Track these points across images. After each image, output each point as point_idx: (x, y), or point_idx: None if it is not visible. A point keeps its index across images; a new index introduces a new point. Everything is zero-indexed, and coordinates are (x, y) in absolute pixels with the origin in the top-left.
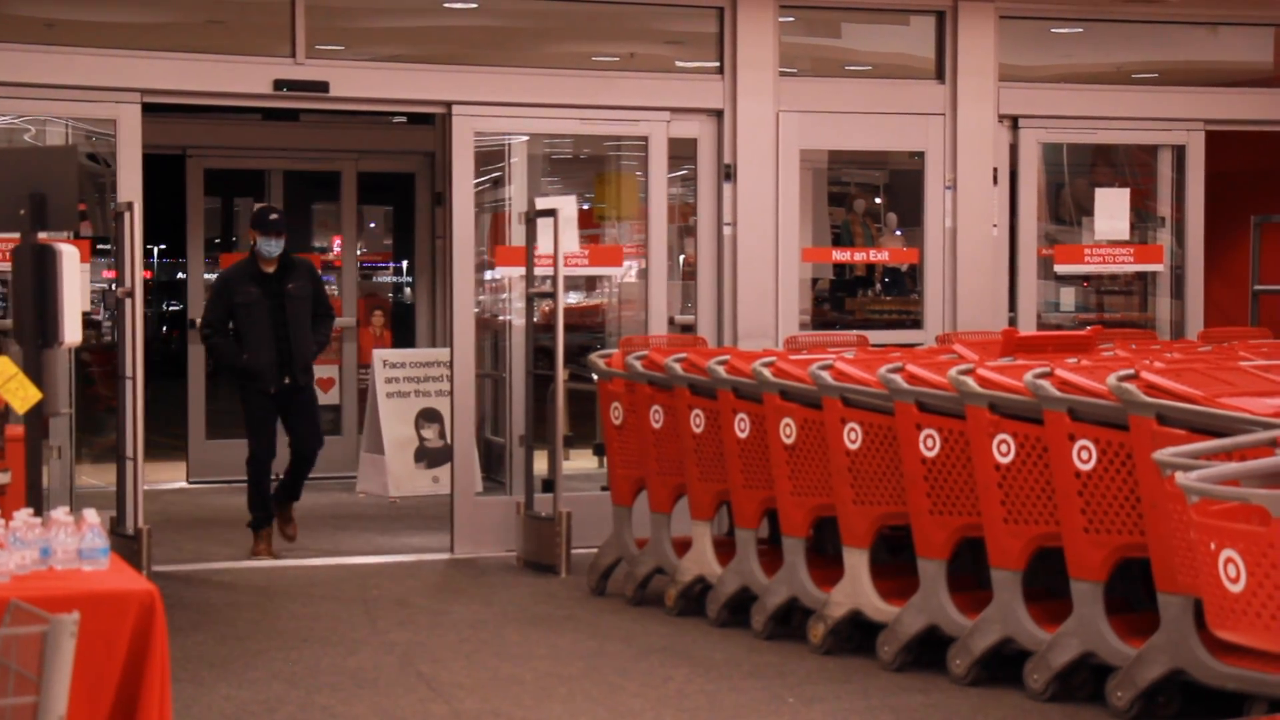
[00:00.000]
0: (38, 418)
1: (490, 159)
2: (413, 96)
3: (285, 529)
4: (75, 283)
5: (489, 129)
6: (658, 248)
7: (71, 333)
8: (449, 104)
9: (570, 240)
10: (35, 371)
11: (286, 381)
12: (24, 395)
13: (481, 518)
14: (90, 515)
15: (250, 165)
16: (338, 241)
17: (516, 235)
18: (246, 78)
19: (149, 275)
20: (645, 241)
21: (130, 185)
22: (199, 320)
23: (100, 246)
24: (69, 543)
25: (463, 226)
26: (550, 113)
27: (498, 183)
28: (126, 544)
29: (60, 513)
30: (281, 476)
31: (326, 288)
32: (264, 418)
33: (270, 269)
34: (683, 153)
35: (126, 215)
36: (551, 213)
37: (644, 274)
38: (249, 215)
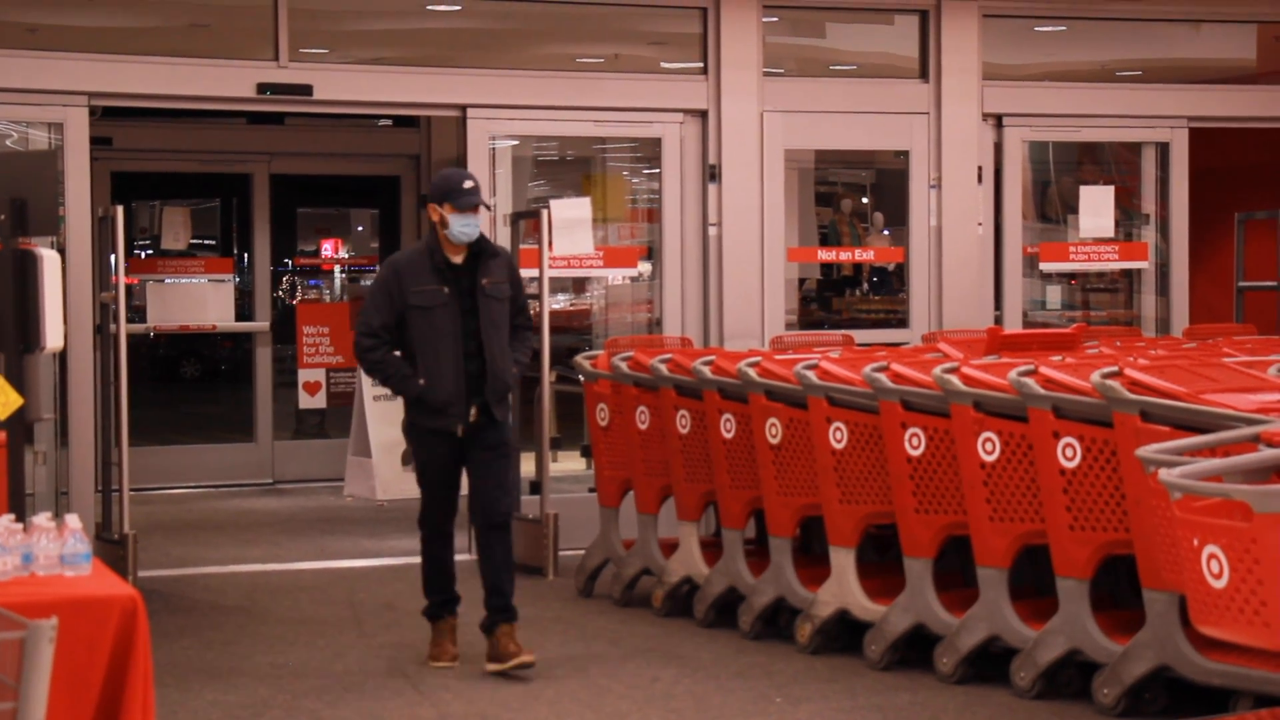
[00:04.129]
0: (19, 423)
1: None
2: (426, 100)
3: (500, 649)
4: (57, 288)
5: (503, 132)
6: (672, 249)
7: (53, 338)
8: (464, 107)
9: (585, 242)
10: (17, 377)
11: (475, 418)
12: (4, 401)
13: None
14: (72, 521)
15: (237, 170)
16: (327, 245)
17: (502, 237)
18: (230, 82)
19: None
20: (659, 243)
21: (79, 193)
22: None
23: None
24: (51, 548)
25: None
26: (564, 115)
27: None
28: (112, 549)
29: (42, 518)
30: (482, 574)
31: (319, 293)
32: (444, 466)
33: (459, 259)
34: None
35: (109, 221)
36: (535, 214)
37: (654, 276)
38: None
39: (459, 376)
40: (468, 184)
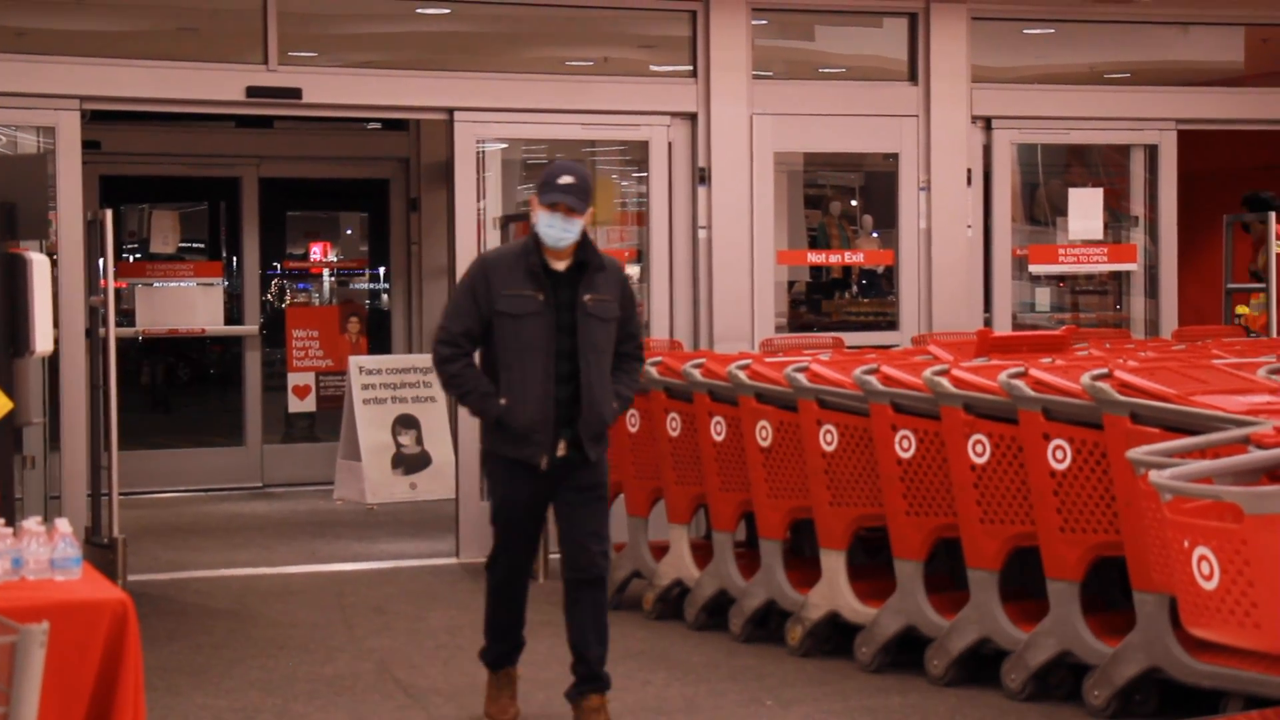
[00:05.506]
0: (8, 427)
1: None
2: (413, 103)
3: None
4: (46, 291)
5: (490, 135)
6: (661, 252)
7: (43, 341)
8: (451, 110)
9: None
10: (6, 381)
11: (564, 452)
12: None
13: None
14: (62, 525)
15: (226, 173)
16: (316, 248)
17: (492, 240)
18: (219, 85)
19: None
20: (646, 246)
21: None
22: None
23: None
24: (41, 553)
25: (464, 235)
26: (552, 118)
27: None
28: (102, 553)
29: (32, 522)
30: (571, 636)
31: (309, 297)
32: (523, 505)
33: (561, 265)
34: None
35: (98, 224)
36: (525, 217)
37: (643, 279)
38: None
39: (546, 400)
40: (564, 179)
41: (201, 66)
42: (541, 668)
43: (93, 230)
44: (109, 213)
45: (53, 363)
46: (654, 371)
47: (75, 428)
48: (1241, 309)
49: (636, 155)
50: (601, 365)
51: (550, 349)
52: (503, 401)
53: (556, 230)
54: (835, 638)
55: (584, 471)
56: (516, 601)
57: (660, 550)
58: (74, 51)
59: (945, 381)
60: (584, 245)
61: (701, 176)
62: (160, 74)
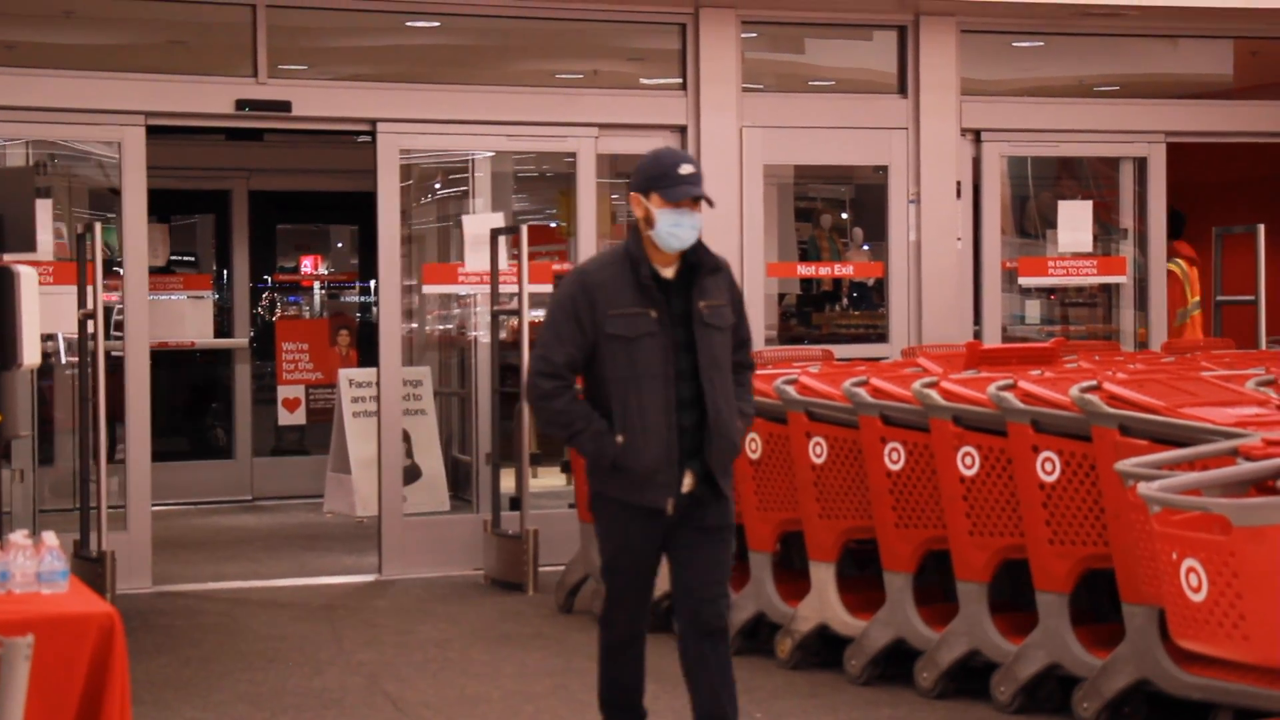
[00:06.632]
0: None
1: (454, 173)
2: (408, 115)
3: None
4: (34, 304)
5: (412, 146)
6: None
7: (31, 354)
8: (374, 122)
9: (484, 259)
10: None
11: (691, 487)
12: None
13: (421, 536)
14: (49, 538)
15: (216, 186)
16: (306, 261)
17: (473, 252)
18: (209, 98)
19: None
20: (574, 257)
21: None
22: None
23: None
24: (27, 566)
25: (388, 245)
26: (475, 129)
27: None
28: (90, 567)
29: (19, 536)
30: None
31: (299, 310)
32: (644, 553)
33: (670, 271)
34: None
35: (87, 237)
36: (516, 229)
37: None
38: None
39: (670, 433)
40: (684, 168)
41: (191, 80)
42: (532, 681)
43: (82, 242)
44: (98, 225)
45: (111, 374)
46: None
47: (139, 439)
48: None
49: (630, 167)
50: (725, 383)
51: (669, 373)
52: (619, 439)
53: (685, 230)
54: (825, 650)
55: (711, 508)
56: (639, 663)
57: None
58: (64, 65)
59: (934, 394)
60: (697, 245)
61: None
62: (150, 87)
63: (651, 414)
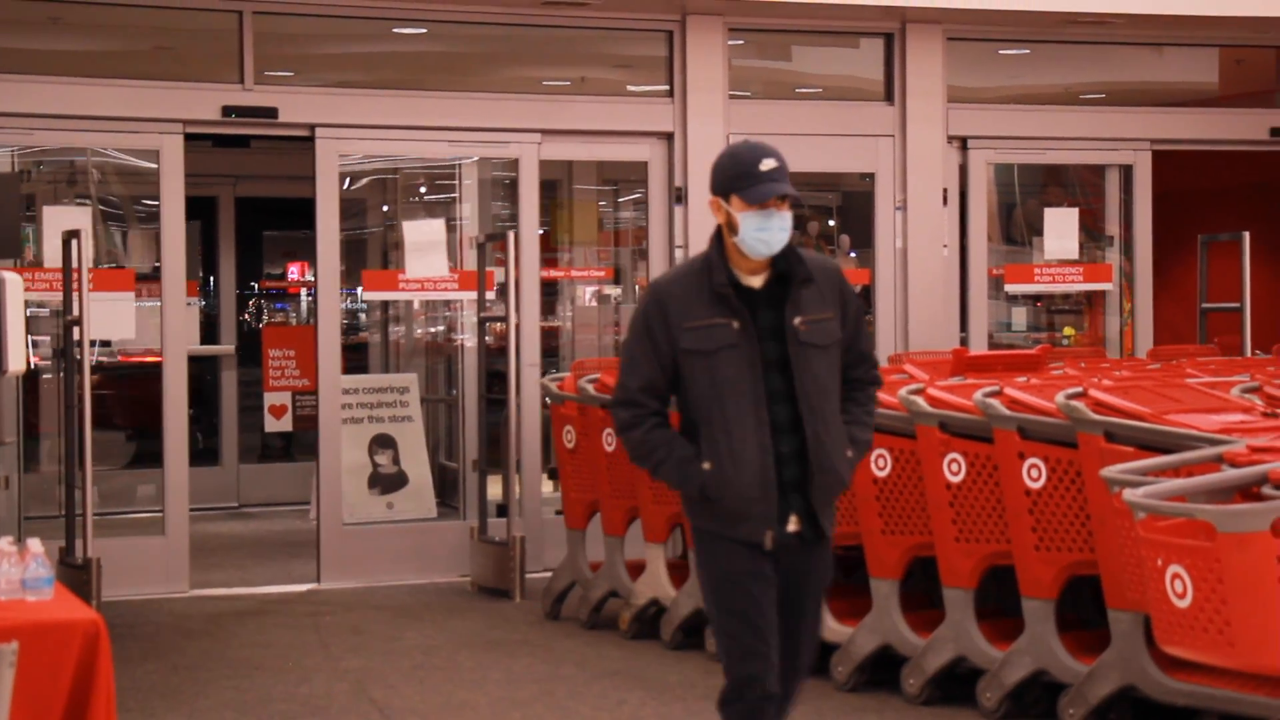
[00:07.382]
0: None
1: (441, 179)
2: (401, 122)
3: None
4: (19, 310)
5: (353, 151)
6: (530, 272)
7: (15, 361)
8: (312, 127)
9: (439, 264)
10: None
11: (796, 528)
12: None
13: (408, 543)
14: (34, 545)
15: (202, 192)
16: (293, 268)
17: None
18: (195, 104)
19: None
20: (517, 264)
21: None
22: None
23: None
24: (12, 573)
25: (327, 251)
26: (417, 135)
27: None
28: (76, 574)
29: (4, 542)
30: None
31: (286, 316)
32: (750, 593)
33: (757, 281)
34: (635, 175)
35: (74, 242)
36: (503, 236)
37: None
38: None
39: (764, 458)
40: (766, 163)
41: (177, 86)
42: (518, 687)
43: (68, 248)
44: (84, 230)
45: (153, 377)
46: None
47: (176, 446)
48: (1069, 330)
49: (618, 175)
50: (828, 409)
51: (759, 391)
52: (706, 466)
53: (773, 233)
54: None
55: (815, 552)
56: None
57: (637, 569)
58: (50, 71)
59: (921, 400)
60: (785, 251)
61: (678, 196)
62: (136, 93)
63: (740, 436)
